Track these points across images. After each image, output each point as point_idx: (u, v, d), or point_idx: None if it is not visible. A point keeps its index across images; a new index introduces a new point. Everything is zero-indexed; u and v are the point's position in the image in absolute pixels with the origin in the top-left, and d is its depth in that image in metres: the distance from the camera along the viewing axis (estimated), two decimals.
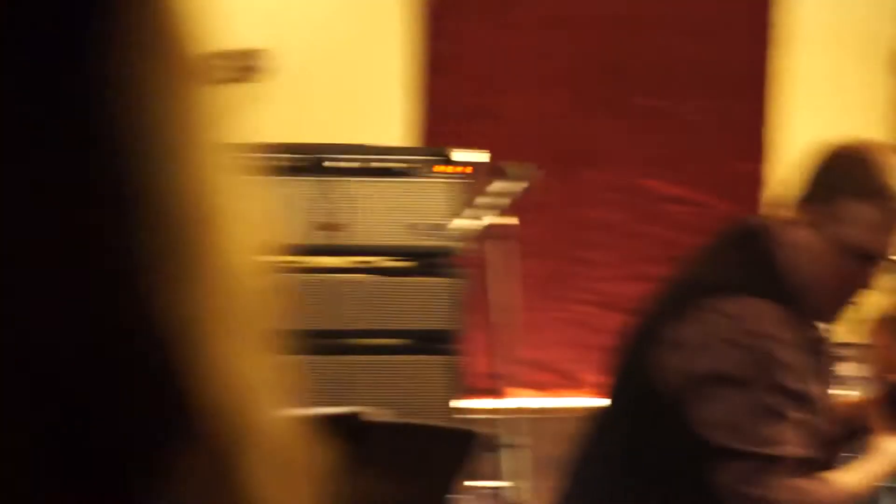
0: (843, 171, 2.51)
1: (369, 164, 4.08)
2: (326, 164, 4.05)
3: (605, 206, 5.06)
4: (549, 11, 5.03)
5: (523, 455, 4.37)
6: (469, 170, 4.08)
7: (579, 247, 5.07)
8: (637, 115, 5.08)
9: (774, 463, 2.46)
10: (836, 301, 2.56)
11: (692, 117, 5.09)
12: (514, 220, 2.99)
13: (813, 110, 5.10)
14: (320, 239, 3.95)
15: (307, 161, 3.99)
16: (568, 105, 5.05)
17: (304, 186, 3.94)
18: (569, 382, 5.06)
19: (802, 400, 2.49)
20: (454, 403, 4.00)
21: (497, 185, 3.02)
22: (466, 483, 2.78)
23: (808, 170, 2.55)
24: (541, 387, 5.04)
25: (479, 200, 3.01)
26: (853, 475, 2.56)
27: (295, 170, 3.94)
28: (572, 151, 5.05)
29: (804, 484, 2.49)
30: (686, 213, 5.08)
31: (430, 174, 4.09)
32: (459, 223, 2.95)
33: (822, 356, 2.59)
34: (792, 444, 2.47)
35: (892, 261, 2.47)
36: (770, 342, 2.50)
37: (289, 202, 3.79)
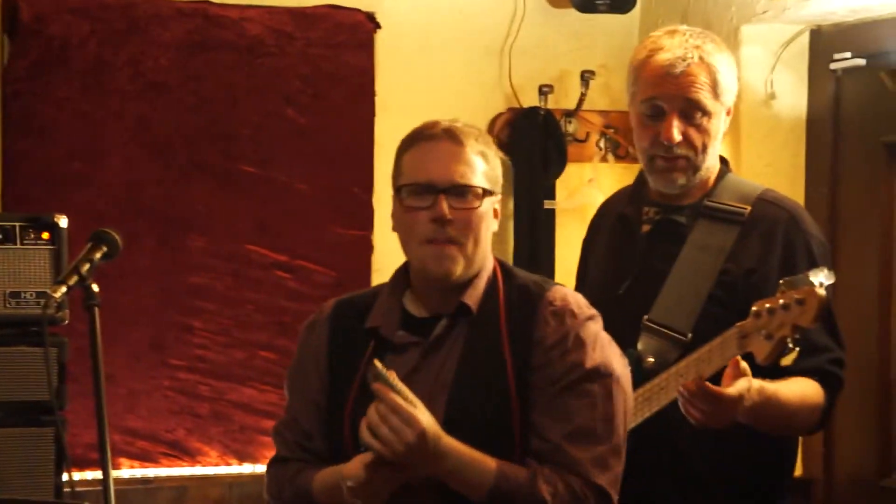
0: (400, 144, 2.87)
1: None
2: None
3: (209, 272, 4.99)
4: (148, 77, 4.94)
5: None
6: (48, 236, 3.98)
7: (183, 314, 4.97)
8: (242, 182, 5.04)
9: None
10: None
11: (297, 184, 5.09)
12: (95, 287, 2.91)
13: None
14: None
15: None
16: (168, 171, 4.96)
17: None
18: (175, 451, 4.94)
19: None
20: (60, 477, 3.87)
21: (86, 252, 2.92)
22: None
23: None
24: (145, 456, 4.90)
25: (68, 267, 2.91)
26: None
27: None
28: (174, 218, 4.97)
29: None
30: (291, 279, 5.07)
31: (24, 241, 3.98)
32: (53, 290, 2.84)
33: None
34: None
35: None
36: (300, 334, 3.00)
37: None
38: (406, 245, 2.77)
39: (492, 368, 2.66)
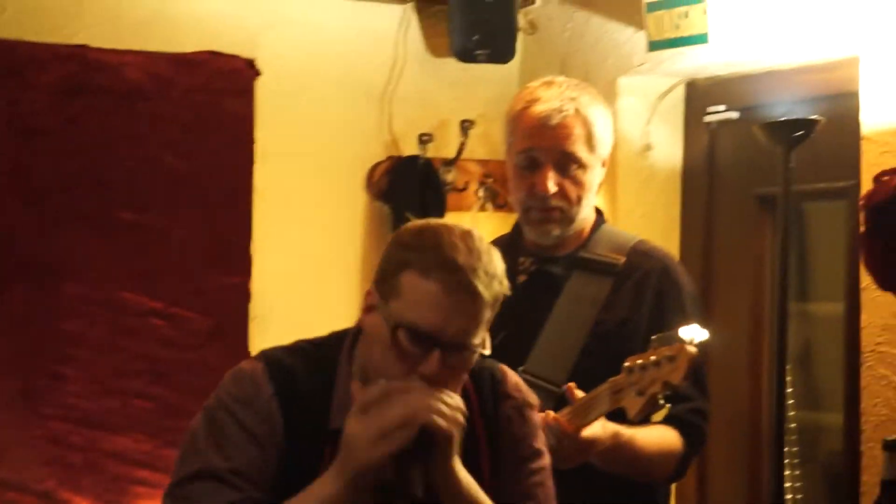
0: (404, 248, 2.48)
1: None
2: None
3: (83, 319, 4.91)
4: (25, 121, 4.88)
5: None
6: None
7: (55, 362, 4.88)
8: (117, 228, 4.97)
9: None
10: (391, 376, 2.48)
11: (175, 231, 5.04)
12: None
13: (296, 224, 5.20)
14: None
15: None
16: (43, 217, 4.89)
17: None
18: (46, 502, 4.83)
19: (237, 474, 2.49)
20: None
21: None
22: None
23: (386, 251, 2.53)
24: None
25: None
26: None
27: None
28: (48, 264, 4.89)
29: None
30: (167, 327, 5.01)
31: None
32: None
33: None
34: None
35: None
36: (224, 409, 2.51)
37: None
38: (375, 365, 2.49)
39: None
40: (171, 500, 2.52)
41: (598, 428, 3.00)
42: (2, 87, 4.85)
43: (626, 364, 2.91)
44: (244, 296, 5.12)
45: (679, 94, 5.07)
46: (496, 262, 2.48)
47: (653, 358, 2.86)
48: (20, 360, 4.83)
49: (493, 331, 3.11)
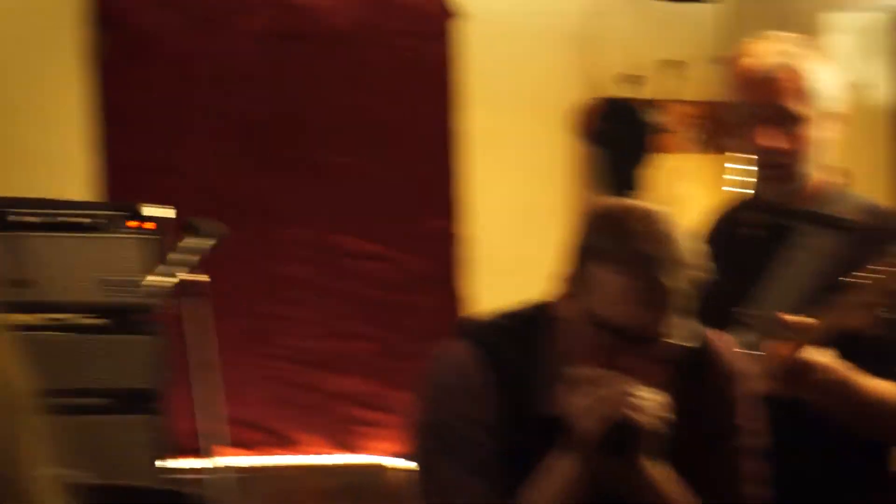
0: (592, 234, 2.44)
1: (56, 218, 3.99)
2: (11, 218, 3.92)
3: (298, 262, 5.03)
4: (227, 66, 4.99)
5: None
6: (153, 225, 4.01)
7: (276, 303, 5.01)
8: (325, 171, 5.08)
9: None
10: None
11: (381, 174, 5.13)
12: (204, 277, 2.96)
13: (498, 168, 5.24)
14: (8, 295, 3.80)
15: None
16: (255, 163, 5.02)
17: None
18: (273, 440, 4.99)
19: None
20: (161, 464, 3.92)
21: (187, 241, 2.97)
22: None
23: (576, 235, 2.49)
24: (246, 445, 4.94)
25: (171, 256, 2.97)
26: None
27: None
28: (259, 208, 5.02)
29: None
30: (379, 269, 5.10)
31: (119, 229, 4.02)
32: (152, 279, 2.89)
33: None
34: None
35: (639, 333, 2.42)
36: (444, 405, 2.52)
37: None
38: (572, 352, 2.47)
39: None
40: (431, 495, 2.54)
41: (817, 352, 2.96)
42: (209, 35, 4.97)
43: (850, 280, 2.86)
44: (457, 239, 5.18)
45: (887, 28, 4.98)
46: (684, 247, 2.40)
47: (878, 269, 2.81)
48: (243, 302, 4.95)
49: (714, 278, 3.07)
